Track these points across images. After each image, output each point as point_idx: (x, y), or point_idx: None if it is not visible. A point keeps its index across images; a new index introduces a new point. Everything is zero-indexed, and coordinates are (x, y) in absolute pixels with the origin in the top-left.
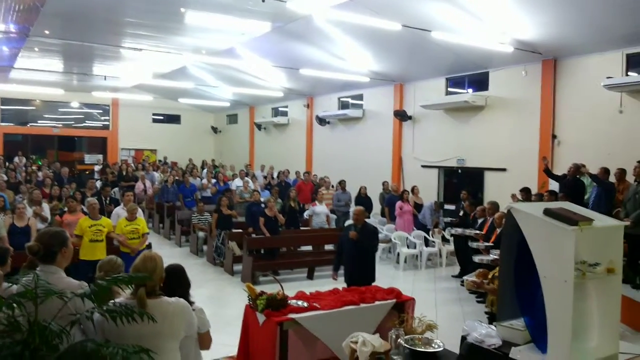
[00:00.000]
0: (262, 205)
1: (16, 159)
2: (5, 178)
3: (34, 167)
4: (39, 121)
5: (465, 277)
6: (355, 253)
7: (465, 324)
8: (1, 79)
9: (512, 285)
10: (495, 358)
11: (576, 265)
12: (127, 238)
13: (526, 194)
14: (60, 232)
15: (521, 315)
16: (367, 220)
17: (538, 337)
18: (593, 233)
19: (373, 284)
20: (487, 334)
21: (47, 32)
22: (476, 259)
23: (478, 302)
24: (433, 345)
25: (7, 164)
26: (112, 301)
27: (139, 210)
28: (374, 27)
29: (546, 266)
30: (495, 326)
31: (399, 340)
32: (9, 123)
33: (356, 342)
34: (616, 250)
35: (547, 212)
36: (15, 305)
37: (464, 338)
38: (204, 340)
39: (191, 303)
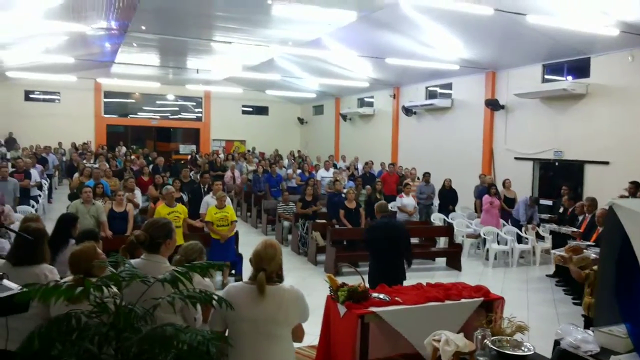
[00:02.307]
0: (343, 196)
1: (117, 148)
2: (108, 166)
3: (132, 157)
4: (138, 113)
5: (553, 251)
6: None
7: (560, 328)
8: (104, 73)
9: (613, 288)
10: None
11: None
12: (217, 225)
13: (635, 188)
14: (167, 223)
15: (622, 321)
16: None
17: None
18: None
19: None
20: (583, 339)
21: (143, 27)
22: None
23: (574, 304)
24: (522, 348)
25: (109, 153)
26: (232, 284)
27: (228, 198)
28: (464, 13)
29: None
30: (592, 331)
31: (485, 340)
32: (112, 115)
33: (439, 341)
34: None
35: None
36: (104, 287)
37: (557, 342)
38: (299, 332)
39: None
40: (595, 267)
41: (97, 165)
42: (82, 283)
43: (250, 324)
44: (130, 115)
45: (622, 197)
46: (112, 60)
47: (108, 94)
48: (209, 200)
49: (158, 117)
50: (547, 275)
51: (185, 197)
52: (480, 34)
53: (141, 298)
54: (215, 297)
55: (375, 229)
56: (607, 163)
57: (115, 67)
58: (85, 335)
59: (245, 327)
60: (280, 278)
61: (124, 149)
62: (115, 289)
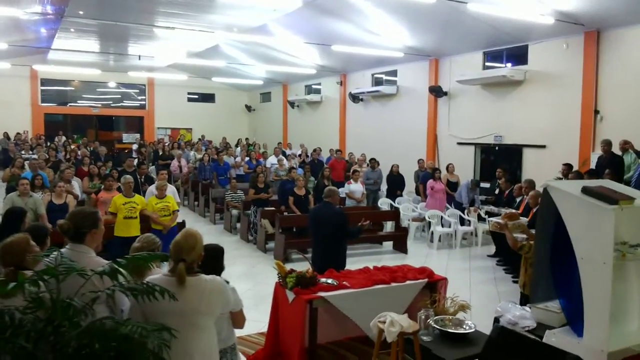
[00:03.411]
0: (295, 184)
1: (56, 138)
2: (46, 157)
3: (73, 146)
4: (78, 101)
5: (490, 219)
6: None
7: (499, 305)
8: (40, 60)
9: (548, 266)
10: (525, 341)
11: (616, 246)
12: (159, 215)
13: (568, 169)
14: (92, 213)
15: (557, 297)
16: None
17: (574, 320)
18: (635, 212)
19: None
20: (521, 315)
21: (81, 12)
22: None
23: (514, 282)
24: (464, 326)
25: (48, 143)
26: (151, 277)
27: (171, 187)
28: (407, 0)
29: (584, 247)
30: (529, 308)
31: (428, 320)
32: (50, 103)
33: (384, 322)
34: None
35: (585, 191)
36: (40, 282)
37: (496, 320)
38: (238, 319)
39: (225, 282)
40: (531, 242)
41: (35, 156)
42: (14, 277)
43: (173, 316)
44: (70, 104)
45: (557, 179)
46: (49, 47)
47: (45, 82)
48: (152, 190)
49: (99, 105)
50: (488, 256)
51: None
52: (423, 22)
53: (78, 291)
54: (157, 289)
55: (311, 215)
56: (544, 147)
57: (53, 54)
58: (20, 332)
59: (168, 320)
60: (211, 269)
61: (63, 139)
62: (48, 283)
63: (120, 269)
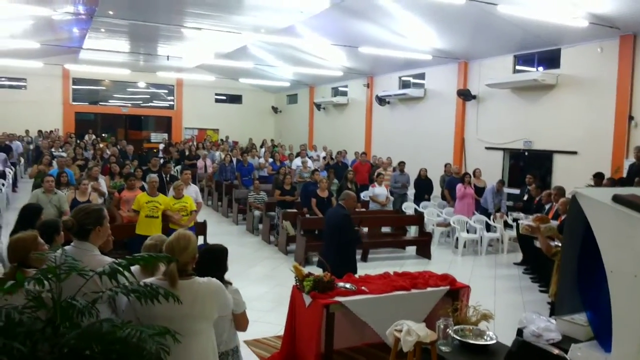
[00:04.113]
0: (318, 186)
1: (86, 137)
2: (74, 154)
3: (102, 145)
4: (109, 101)
5: (521, 221)
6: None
7: (523, 316)
8: (72, 59)
9: (575, 277)
10: (546, 356)
11: None
12: (181, 216)
13: (599, 180)
14: (97, 210)
15: (583, 310)
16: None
17: (601, 334)
18: None
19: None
20: (545, 327)
21: (111, 12)
22: (537, 243)
23: (541, 291)
24: (485, 337)
25: (77, 141)
26: (144, 281)
27: (194, 187)
28: (436, 2)
29: (614, 259)
30: (555, 320)
31: (447, 330)
32: (81, 102)
33: (400, 331)
34: None
35: (617, 199)
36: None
37: (520, 331)
38: (240, 322)
39: (228, 283)
40: None
41: (64, 154)
42: (14, 275)
43: (165, 321)
44: (100, 103)
45: (588, 186)
46: (80, 46)
47: (77, 81)
48: (170, 190)
49: (129, 104)
50: (514, 264)
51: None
52: (452, 24)
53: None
54: (162, 292)
55: (325, 218)
56: (575, 153)
57: (84, 53)
58: (19, 332)
59: (161, 324)
60: (218, 277)
61: (92, 137)
62: (49, 282)
63: (121, 269)
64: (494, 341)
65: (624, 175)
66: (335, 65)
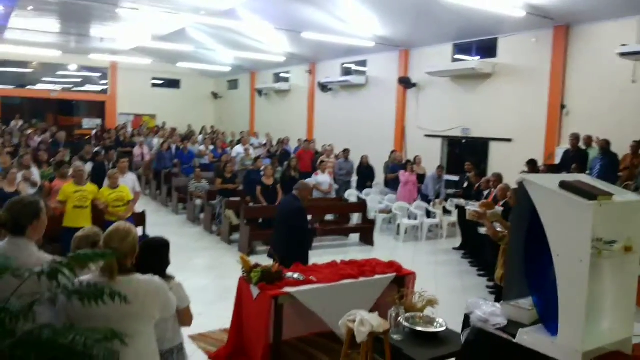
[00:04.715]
0: (261, 174)
1: (12, 123)
2: (0, 141)
3: (30, 131)
4: (37, 84)
5: (468, 207)
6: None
7: (468, 302)
8: None
9: (522, 262)
10: (503, 344)
11: (592, 243)
12: (113, 206)
13: (532, 167)
14: (33, 202)
15: (529, 294)
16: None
17: (547, 317)
18: (612, 208)
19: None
20: (491, 312)
21: None
22: (482, 230)
23: (479, 275)
24: (435, 324)
25: (3, 128)
26: (79, 279)
27: (132, 175)
28: None
29: (560, 244)
30: (500, 304)
31: (399, 319)
32: (6, 86)
33: (353, 321)
34: (636, 227)
35: (564, 185)
36: None
37: (467, 316)
38: (184, 317)
39: (170, 278)
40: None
41: None
42: None
43: (101, 321)
44: (28, 87)
45: (522, 172)
46: (5, 25)
47: (1, 63)
48: (105, 180)
49: (59, 88)
50: (453, 248)
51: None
52: (394, 11)
53: (14, 292)
54: (107, 292)
55: (277, 208)
56: (510, 140)
57: (10, 33)
58: None
59: (95, 325)
60: (159, 271)
61: (20, 123)
62: None
63: (62, 269)
64: (443, 328)
65: (556, 161)
66: (277, 50)
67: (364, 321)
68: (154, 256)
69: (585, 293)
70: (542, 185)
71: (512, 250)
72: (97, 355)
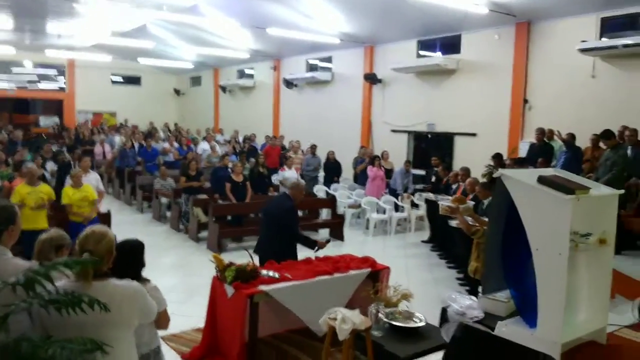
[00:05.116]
0: (229, 170)
1: None
2: None
3: None
4: None
5: (440, 202)
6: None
7: (446, 295)
8: None
9: (499, 256)
10: (492, 341)
11: (569, 236)
12: (77, 206)
13: (498, 161)
14: (7, 207)
15: (506, 287)
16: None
17: (525, 310)
18: (588, 202)
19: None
20: (468, 305)
21: None
22: (453, 223)
23: (449, 267)
24: (414, 319)
25: None
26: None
27: (95, 175)
28: None
29: (539, 238)
30: (477, 297)
31: (379, 315)
32: None
33: (335, 319)
34: (609, 220)
35: (542, 180)
36: None
37: (444, 310)
38: (161, 320)
39: (145, 281)
40: (486, 228)
41: None
42: None
43: (76, 329)
44: None
45: (488, 166)
46: None
47: None
48: (68, 179)
49: (14, 86)
50: (422, 241)
51: (47, 175)
52: (359, 8)
53: None
54: (86, 300)
55: (265, 206)
56: (474, 135)
57: None
58: None
59: (71, 334)
60: (134, 274)
61: None
62: None
63: (39, 278)
64: (423, 323)
65: (519, 155)
66: (241, 46)
67: (346, 319)
68: (128, 258)
69: (564, 286)
70: (521, 180)
71: (489, 244)
72: None
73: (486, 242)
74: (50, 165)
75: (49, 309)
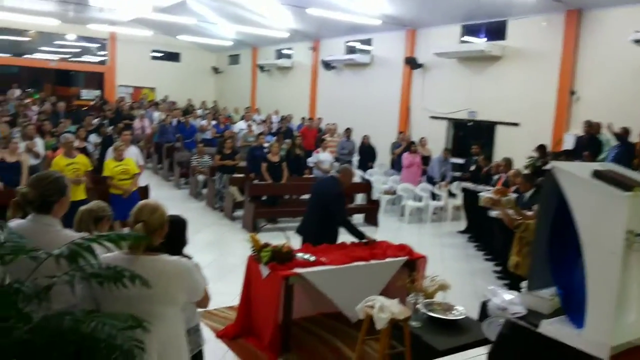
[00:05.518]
0: (265, 150)
1: (9, 92)
2: None
3: (27, 101)
4: (34, 53)
5: (481, 194)
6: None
7: (486, 289)
8: None
9: (546, 252)
10: (540, 339)
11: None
12: (118, 179)
13: (542, 152)
14: (59, 178)
15: (552, 284)
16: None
17: (571, 309)
18: None
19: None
20: (510, 301)
21: None
22: (493, 213)
23: (486, 260)
24: (454, 312)
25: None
26: (104, 256)
27: (135, 149)
28: None
29: (592, 235)
30: (520, 293)
31: (417, 305)
32: (3, 54)
33: (372, 307)
34: None
35: (598, 175)
36: None
37: (484, 304)
38: (202, 299)
39: (187, 258)
40: (529, 221)
41: None
42: None
43: (123, 303)
44: (26, 55)
45: (530, 157)
46: None
47: None
48: (110, 152)
49: (57, 58)
50: (458, 232)
51: (90, 148)
52: None
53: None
54: (127, 275)
55: (313, 186)
56: (517, 124)
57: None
58: None
59: (119, 306)
60: (175, 250)
61: (17, 92)
62: None
63: (82, 252)
64: (463, 316)
65: (563, 148)
66: (280, 26)
67: (384, 307)
68: (172, 234)
69: (616, 286)
70: (574, 174)
71: (536, 239)
72: (120, 345)
73: (533, 237)
74: (94, 138)
75: (103, 286)
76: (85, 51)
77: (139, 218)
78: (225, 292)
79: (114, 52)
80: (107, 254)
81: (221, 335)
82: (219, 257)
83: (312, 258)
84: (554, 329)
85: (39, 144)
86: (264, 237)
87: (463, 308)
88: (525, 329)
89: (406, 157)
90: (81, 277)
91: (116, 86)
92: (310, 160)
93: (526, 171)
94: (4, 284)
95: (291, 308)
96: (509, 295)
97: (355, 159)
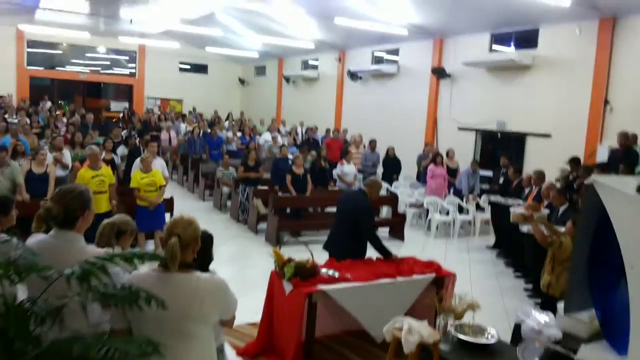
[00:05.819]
0: (290, 162)
1: (40, 104)
2: (28, 121)
3: (57, 113)
4: (66, 66)
5: (512, 209)
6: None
7: (520, 310)
8: (27, 20)
9: (586, 272)
10: None
11: None
12: (145, 190)
13: (575, 165)
14: (84, 192)
15: (591, 306)
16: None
17: (612, 334)
18: None
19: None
20: (545, 323)
21: None
22: (524, 229)
23: (517, 277)
24: (486, 335)
25: (32, 108)
26: (136, 272)
27: (160, 160)
28: None
29: (635, 254)
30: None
31: (448, 328)
32: (36, 67)
33: (400, 329)
34: None
35: None
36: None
37: (517, 326)
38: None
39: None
40: (563, 239)
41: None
42: None
43: (154, 322)
44: (57, 68)
45: (562, 170)
46: (36, 5)
47: (32, 44)
48: (137, 163)
49: (88, 70)
50: (487, 247)
51: (117, 159)
52: None
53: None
54: (143, 295)
55: (340, 199)
56: (548, 136)
57: (40, 13)
58: None
59: (151, 325)
60: (201, 266)
61: (48, 104)
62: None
63: (95, 271)
64: (495, 340)
65: (597, 160)
66: (306, 37)
67: (413, 330)
68: (200, 250)
69: None
70: (617, 189)
71: (574, 257)
72: None
73: (569, 255)
74: (121, 150)
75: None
76: (115, 63)
77: (173, 231)
78: (247, 307)
79: (142, 64)
80: (138, 272)
81: (242, 353)
82: (242, 271)
83: (337, 274)
84: (594, 355)
85: (67, 155)
86: (287, 252)
87: (495, 330)
88: (565, 357)
89: (430, 169)
90: (94, 298)
91: (145, 98)
92: (334, 172)
93: (558, 185)
94: (17, 302)
95: (314, 326)
96: (543, 317)
97: (380, 171)
